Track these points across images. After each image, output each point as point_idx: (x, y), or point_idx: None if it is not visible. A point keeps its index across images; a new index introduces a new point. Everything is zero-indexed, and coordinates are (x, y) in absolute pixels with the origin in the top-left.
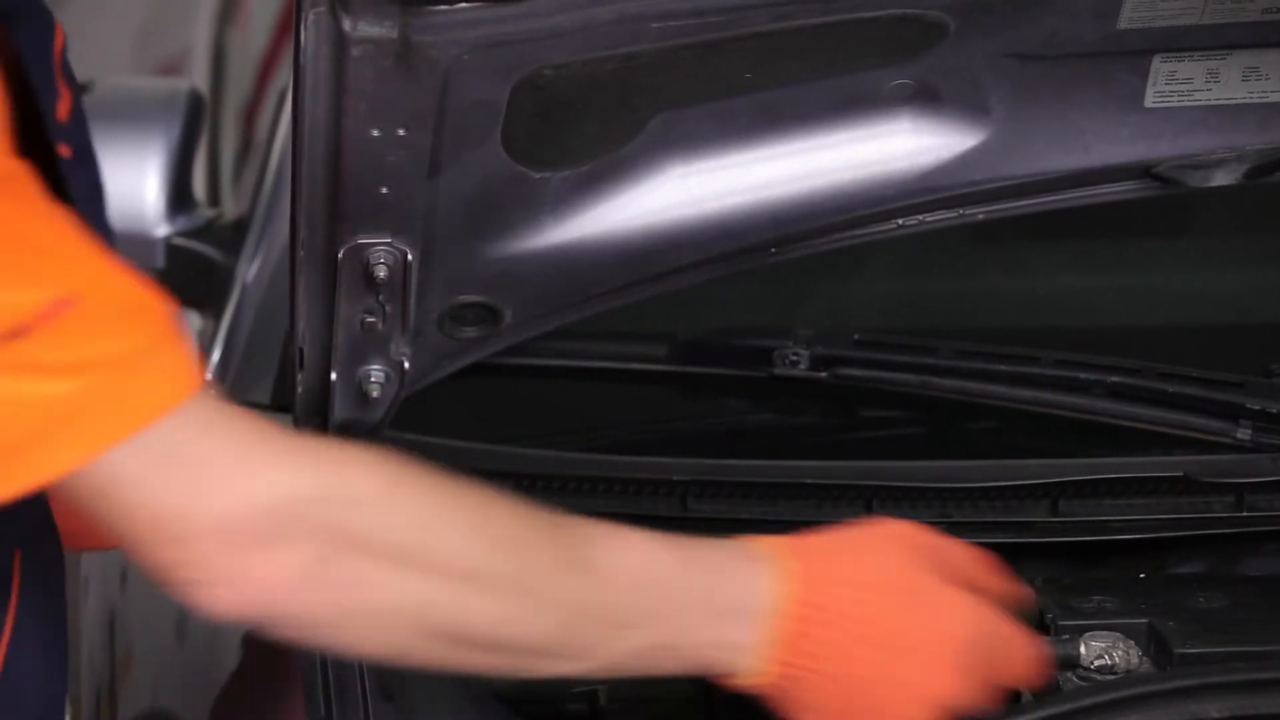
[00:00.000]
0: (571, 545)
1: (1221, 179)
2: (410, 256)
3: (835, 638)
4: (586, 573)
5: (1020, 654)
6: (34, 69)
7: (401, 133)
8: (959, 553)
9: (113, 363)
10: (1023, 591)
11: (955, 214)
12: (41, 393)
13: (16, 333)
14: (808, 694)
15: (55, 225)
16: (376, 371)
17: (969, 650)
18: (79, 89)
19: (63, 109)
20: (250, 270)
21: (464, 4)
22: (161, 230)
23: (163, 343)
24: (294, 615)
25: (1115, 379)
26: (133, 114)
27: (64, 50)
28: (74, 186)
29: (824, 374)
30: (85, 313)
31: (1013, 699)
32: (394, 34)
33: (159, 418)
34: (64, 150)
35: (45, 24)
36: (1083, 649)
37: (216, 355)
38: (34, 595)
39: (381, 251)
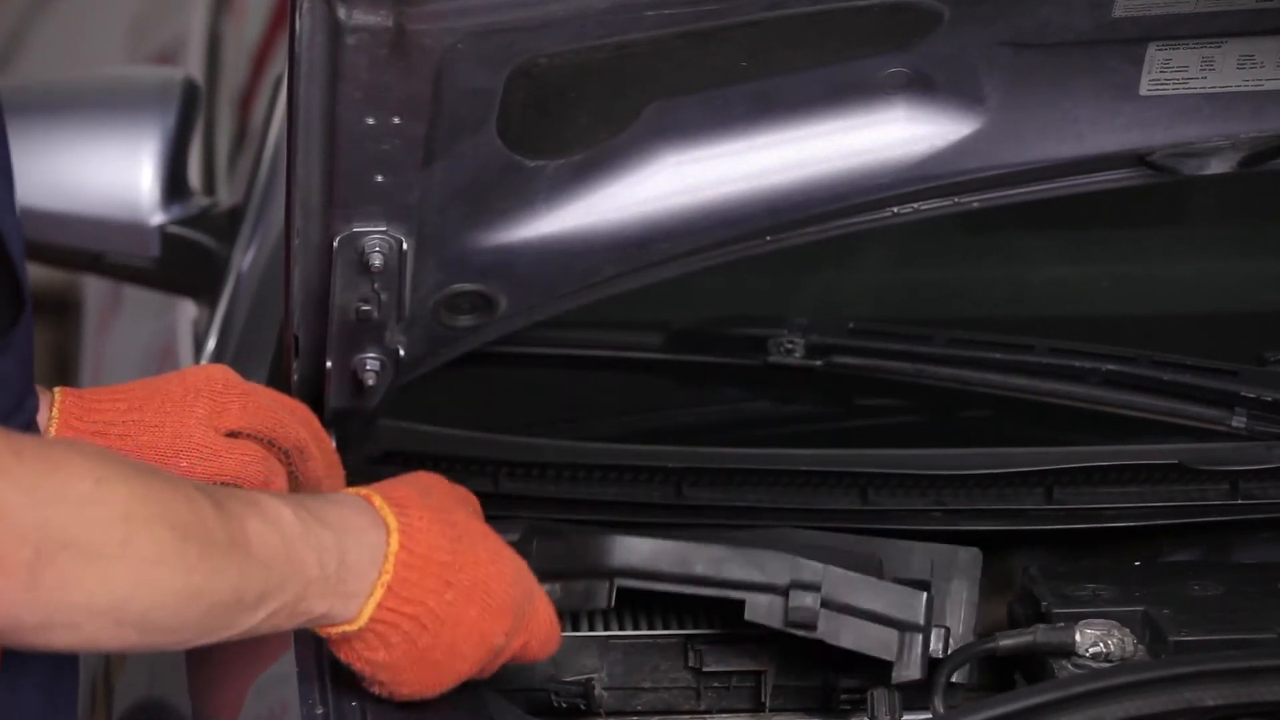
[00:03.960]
0: (231, 518)
1: (1216, 167)
2: (405, 245)
3: (430, 583)
4: (241, 549)
5: (543, 606)
6: None
7: (396, 121)
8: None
9: None
10: None
11: (950, 202)
12: None
13: None
14: (397, 638)
15: None
16: (371, 360)
17: (516, 594)
18: None
19: None
20: (245, 259)
21: None
22: (156, 219)
23: None
24: (10, 619)
25: (1110, 367)
26: (127, 103)
27: None
28: None
29: (819, 362)
30: None
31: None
32: (389, 22)
33: None
34: None
35: None
36: (1078, 636)
37: (212, 344)
38: None
39: (376, 240)
